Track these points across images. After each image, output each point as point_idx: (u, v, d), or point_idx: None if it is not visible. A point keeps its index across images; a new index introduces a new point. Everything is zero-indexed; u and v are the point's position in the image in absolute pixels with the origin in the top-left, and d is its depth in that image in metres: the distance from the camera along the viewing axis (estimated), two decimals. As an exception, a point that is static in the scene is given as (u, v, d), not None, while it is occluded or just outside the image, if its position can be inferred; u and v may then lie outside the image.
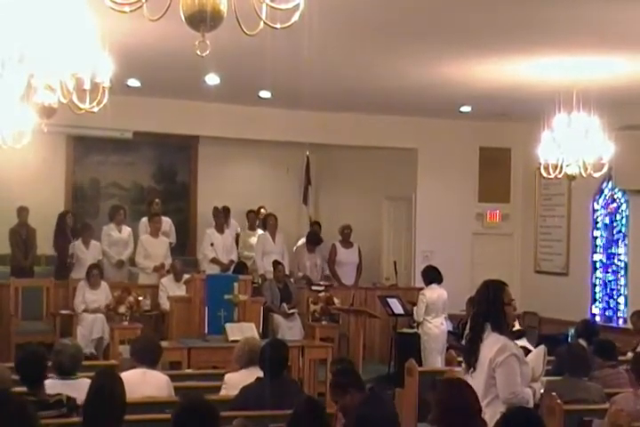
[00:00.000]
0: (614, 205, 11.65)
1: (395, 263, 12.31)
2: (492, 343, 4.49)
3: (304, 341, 9.74)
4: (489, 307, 4.55)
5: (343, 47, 8.19)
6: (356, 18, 7.09)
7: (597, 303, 11.77)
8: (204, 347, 8.57)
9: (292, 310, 10.58)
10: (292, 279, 11.52)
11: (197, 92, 10.59)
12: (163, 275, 10.86)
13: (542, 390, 5.38)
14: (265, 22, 3.35)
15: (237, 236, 12.30)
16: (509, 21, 7.10)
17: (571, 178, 8.67)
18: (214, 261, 11.36)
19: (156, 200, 12.02)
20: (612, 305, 11.60)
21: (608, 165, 8.69)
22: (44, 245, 11.31)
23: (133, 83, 10.14)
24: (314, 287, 11.30)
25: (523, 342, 7.06)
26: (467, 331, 5.19)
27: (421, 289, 10.13)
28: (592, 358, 6.71)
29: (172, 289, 10.34)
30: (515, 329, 6.35)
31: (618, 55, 8.05)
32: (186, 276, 10.17)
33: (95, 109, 5.27)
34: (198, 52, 3.30)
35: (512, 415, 3.38)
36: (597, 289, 11.79)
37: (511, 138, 12.74)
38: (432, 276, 9.86)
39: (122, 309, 9.31)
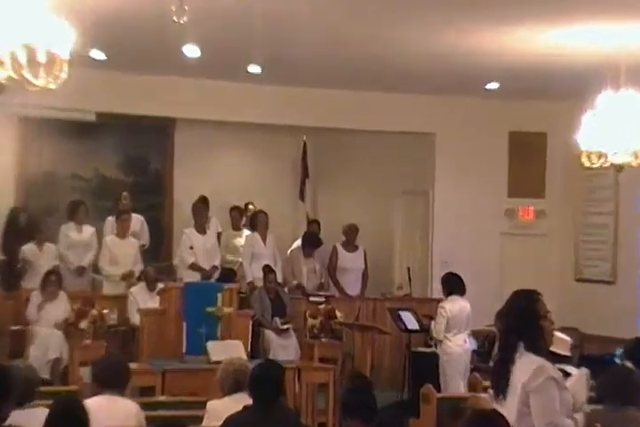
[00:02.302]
0: (670, 200, 11.66)
1: (408, 270, 12.31)
2: (525, 365, 4.49)
3: (300, 362, 9.76)
4: (521, 321, 4.55)
5: (345, 9, 8.14)
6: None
7: (650, 317, 11.78)
8: (182, 369, 8.59)
9: (286, 326, 10.59)
10: (285, 289, 11.52)
11: (174, 66, 10.59)
12: (132, 283, 10.86)
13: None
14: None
15: (219, 236, 12.30)
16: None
17: (618, 168, 8.68)
18: (194, 266, 11.36)
19: (125, 194, 12.01)
20: (667, 319, 11.61)
21: (663, 152, 8.70)
22: (-10, 247, 11.34)
23: (97, 55, 10.13)
24: (312, 298, 11.31)
25: (561, 365, 7.06)
26: (495, 350, 5.20)
27: (440, 301, 10.14)
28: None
29: (143, 300, 10.34)
30: (561, 353, 6.34)
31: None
32: (160, 285, 10.17)
33: (52, 86, 5.27)
34: (175, 19, 3.31)
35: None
36: (650, 301, 11.80)
37: (547, 120, 12.73)
38: (453, 285, 9.87)
39: (83, 324, 9.30)
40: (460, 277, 9.95)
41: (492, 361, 4.97)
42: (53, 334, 10.07)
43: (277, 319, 10.62)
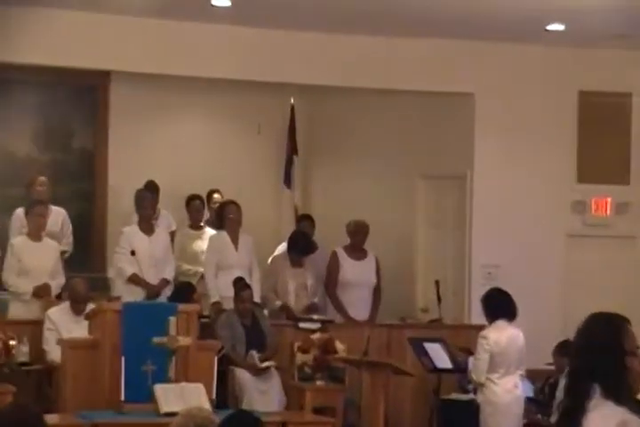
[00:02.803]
0: None
1: (437, 285, 12.32)
2: (602, 418, 4.48)
3: (287, 413, 9.81)
4: (599, 358, 4.54)
5: None
6: None
7: None
8: (120, 424, 8.63)
9: (266, 363, 10.59)
10: (265, 311, 11.54)
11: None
12: (50, 303, 10.85)
13: None
14: None
15: (172, 237, 12.29)
16: None
17: None
18: (136, 279, 11.35)
19: (41, 179, 12.01)
20: None
21: None
22: None
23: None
24: (302, 325, 11.31)
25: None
26: (559, 397, 5.19)
27: (482, 328, 10.16)
28: None
29: (66, 327, 10.33)
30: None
31: None
32: (89, 305, 10.18)
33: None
34: None
35: None
36: None
37: (632, 77, 12.73)
38: (499, 306, 9.88)
39: (-19, 361, 9.32)
40: (509, 296, 9.96)
41: (556, 413, 4.97)
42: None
43: (254, 354, 10.61)
